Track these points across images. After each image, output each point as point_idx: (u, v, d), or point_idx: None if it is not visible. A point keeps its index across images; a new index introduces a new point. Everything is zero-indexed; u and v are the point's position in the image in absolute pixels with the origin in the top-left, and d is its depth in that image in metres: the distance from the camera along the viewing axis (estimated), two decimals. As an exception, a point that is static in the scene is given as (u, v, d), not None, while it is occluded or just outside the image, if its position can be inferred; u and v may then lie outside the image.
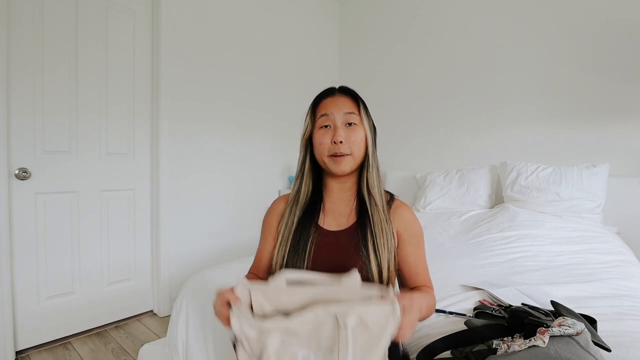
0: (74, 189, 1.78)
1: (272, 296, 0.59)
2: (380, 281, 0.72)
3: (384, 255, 0.73)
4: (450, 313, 0.88)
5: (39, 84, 1.64)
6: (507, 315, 0.74)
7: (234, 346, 0.57)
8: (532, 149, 2.07)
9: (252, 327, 0.53)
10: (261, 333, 0.52)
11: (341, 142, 0.75)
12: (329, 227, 0.79)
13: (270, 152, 2.68)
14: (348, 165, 0.76)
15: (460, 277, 1.14)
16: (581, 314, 0.70)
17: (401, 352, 0.56)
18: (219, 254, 2.35)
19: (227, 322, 0.56)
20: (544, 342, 0.54)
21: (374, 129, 0.82)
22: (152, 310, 2.13)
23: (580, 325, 0.57)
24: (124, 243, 1.99)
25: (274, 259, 0.78)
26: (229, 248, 2.41)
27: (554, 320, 0.61)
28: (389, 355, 0.54)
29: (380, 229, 0.74)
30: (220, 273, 1.19)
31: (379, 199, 0.78)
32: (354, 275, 0.61)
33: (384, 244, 0.74)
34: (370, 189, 0.78)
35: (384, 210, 0.77)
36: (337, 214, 0.81)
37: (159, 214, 2.05)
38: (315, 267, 0.73)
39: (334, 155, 0.76)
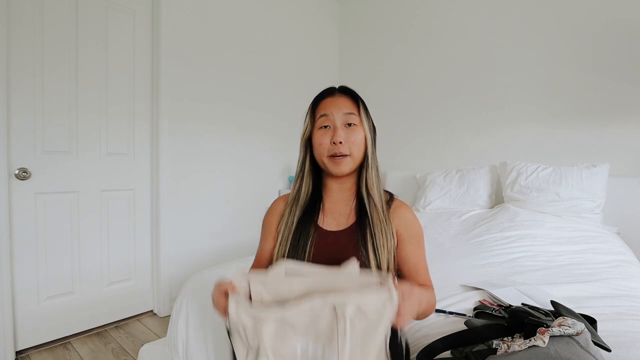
0: (74, 189, 1.78)
1: (271, 286, 0.59)
2: (380, 281, 0.72)
3: (383, 255, 0.73)
4: (450, 313, 0.88)
5: (39, 84, 1.64)
6: (507, 315, 0.74)
7: (229, 334, 0.56)
8: (532, 149, 2.07)
9: (248, 315, 0.52)
10: (256, 322, 0.51)
11: (340, 142, 0.75)
12: (329, 227, 0.79)
13: (270, 152, 2.68)
14: (347, 166, 0.76)
15: (460, 277, 1.14)
16: (581, 314, 0.70)
17: (399, 339, 0.55)
18: (219, 254, 2.35)
19: (224, 312, 0.56)
20: (544, 342, 0.54)
21: (373, 130, 0.82)
22: (152, 310, 2.13)
23: (580, 325, 0.57)
24: (124, 243, 1.99)
25: (274, 259, 0.79)
26: (229, 248, 2.41)
27: (554, 320, 0.61)
28: (390, 344, 0.55)
29: (379, 230, 0.74)
30: (220, 273, 1.19)
31: (378, 200, 0.78)
32: (353, 264, 0.61)
33: (383, 244, 0.74)
34: (369, 189, 0.78)
35: (383, 211, 0.77)
36: (336, 214, 0.81)
37: (159, 214, 2.05)
38: (315, 267, 0.73)
39: (333, 156, 0.76)
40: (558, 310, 0.68)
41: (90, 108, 1.82)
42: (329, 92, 0.81)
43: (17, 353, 1.63)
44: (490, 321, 0.74)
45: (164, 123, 2.03)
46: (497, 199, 2.05)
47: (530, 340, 0.55)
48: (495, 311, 0.83)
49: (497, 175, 2.06)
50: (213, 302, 0.60)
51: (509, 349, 0.57)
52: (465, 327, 0.71)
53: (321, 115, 0.78)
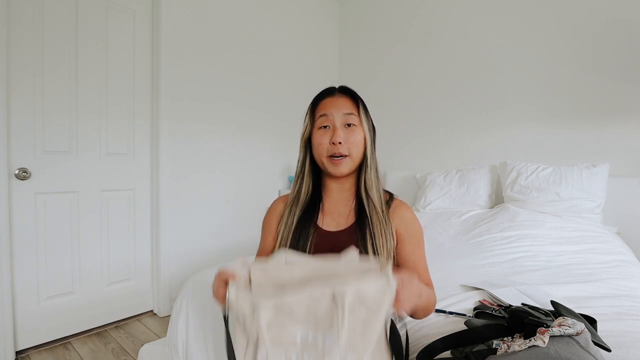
0: (74, 189, 1.78)
1: (271, 273, 0.59)
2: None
3: (383, 256, 0.73)
4: (450, 313, 0.88)
5: (39, 84, 1.64)
6: (507, 315, 0.74)
7: (226, 324, 0.56)
8: (532, 149, 2.07)
9: (247, 301, 0.52)
10: (254, 308, 0.51)
11: (340, 143, 0.75)
12: (328, 227, 0.79)
13: (270, 152, 2.68)
14: (346, 166, 0.76)
15: (460, 277, 1.14)
16: (581, 314, 0.70)
17: (399, 327, 0.56)
18: (219, 254, 2.35)
19: (223, 301, 0.55)
20: (544, 342, 0.54)
21: (373, 130, 0.82)
22: (152, 310, 2.13)
23: (580, 325, 0.57)
24: (124, 243, 1.99)
25: (274, 259, 0.79)
26: (229, 248, 2.41)
27: (554, 320, 0.61)
28: (389, 331, 0.55)
29: (379, 230, 0.74)
30: (220, 273, 1.19)
31: (377, 201, 0.78)
32: (352, 252, 0.61)
33: (383, 245, 0.74)
34: (368, 190, 0.78)
35: (382, 211, 0.77)
36: (336, 215, 0.81)
37: (159, 214, 2.05)
38: (315, 267, 0.73)
39: (333, 157, 0.76)
40: (558, 310, 0.68)
41: (90, 108, 1.82)
42: (328, 92, 0.81)
43: (17, 353, 1.63)
44: (490, 321, 0.74)
45: (164, 123, 2.03)
46: (497, 199, 2.05)
47: (530, 340, 0.55)
48: (495, 311, 0.83)
49: (497, 175, 2.06)
50: (213, 291, 0.59)
51: (509, 349, 0.57)
52: (465, 327, 0.71)
53: (321, 115, 0.78)
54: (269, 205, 0.88)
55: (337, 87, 0.82)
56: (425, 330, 0.82)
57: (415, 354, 0.66)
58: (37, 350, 1.68)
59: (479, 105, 2.30)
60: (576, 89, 1.92)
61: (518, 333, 0.62)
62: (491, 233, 1.56)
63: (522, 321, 0.63)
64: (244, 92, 2.46)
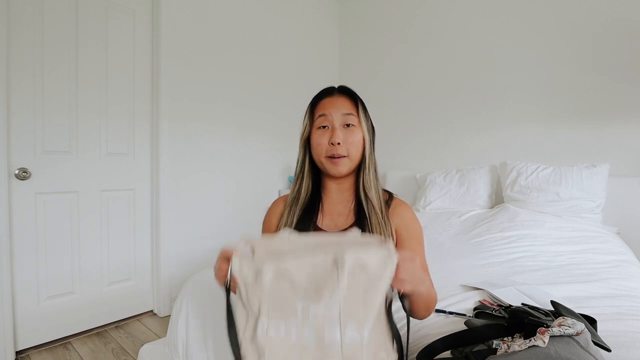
0: (74, 189, 1.78)
1: (275, 248, 0.58)
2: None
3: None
4: (450, 313, 0.88)
5: (39, 84, 1.64)
6: (507, 315, 0.74)
7: (227, 293, 0.55)
8: (532, 149, 2.07)
9: (250, 269, 0.52)
10: (258, 273, 0.51)
11: (339, 143, 0.74)
12: (327, 227, 0.79)
13: (270, 152, 2.68)
14: (345, 167, 0.76)
15: (460, 277, 1.14)
16: (581, 314, 0.70)
17: (396, 293, 0.56)
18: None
19: (224, 279, 0.53)
20: (544, 342, 0.54)
21: (372, 130, 0.82)
22: (152, 310, 2.13)
23: (580, 325, 0.57)
24: (124, 243, 1.99)
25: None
26: (229, 248, 2.41)
27: (554, 320, 0.61)
28: (388, 308, 0.55)
29: (378, 231, 0.74)
30: (220, 273, 1.19)
31: (377, 202, 0.77)
32: (354, 230, 0.61)
33: (382, 245, 0.73)
34: (367, 191, 0.78)
35: (382, 212, 0.77)
36: (335, 215, 0.81)
37: (159, 214, 2.05)
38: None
39: (331, 157, 0.76)
40: (558, 310, 0.68)
41: (90, 108, 1.82)
42: (327, 92, 0.81)
43: (17, 353, 1.63)
44: (490, 321, 0.73)
45: (164, 123, 2.03)
46: (497, 199, 2.05)
47: (530, 340, 0.55)
48: (495, 311, 0.83)
49: (497, 175, 2.06)
50: (214, 270, 0.57)
51: (509, 349, 0.57)
52: (465, 327, 0.71)
53: (320, 115, 0.78)
54: (269, 205, 0.88)
55: (336, 87, 0.82)
56: (425, 330, 0.82)
57: (415, 354, 0.66)
58: (37, 350, 1.68)
59: (479, 105, 2.29)
60: (576, 89, 1.92)
61: (518, 333, 0.62)
62: (491, 233, 1.56)
63: (522, 321, 0.63)
64: (244, 92, 2.46)
